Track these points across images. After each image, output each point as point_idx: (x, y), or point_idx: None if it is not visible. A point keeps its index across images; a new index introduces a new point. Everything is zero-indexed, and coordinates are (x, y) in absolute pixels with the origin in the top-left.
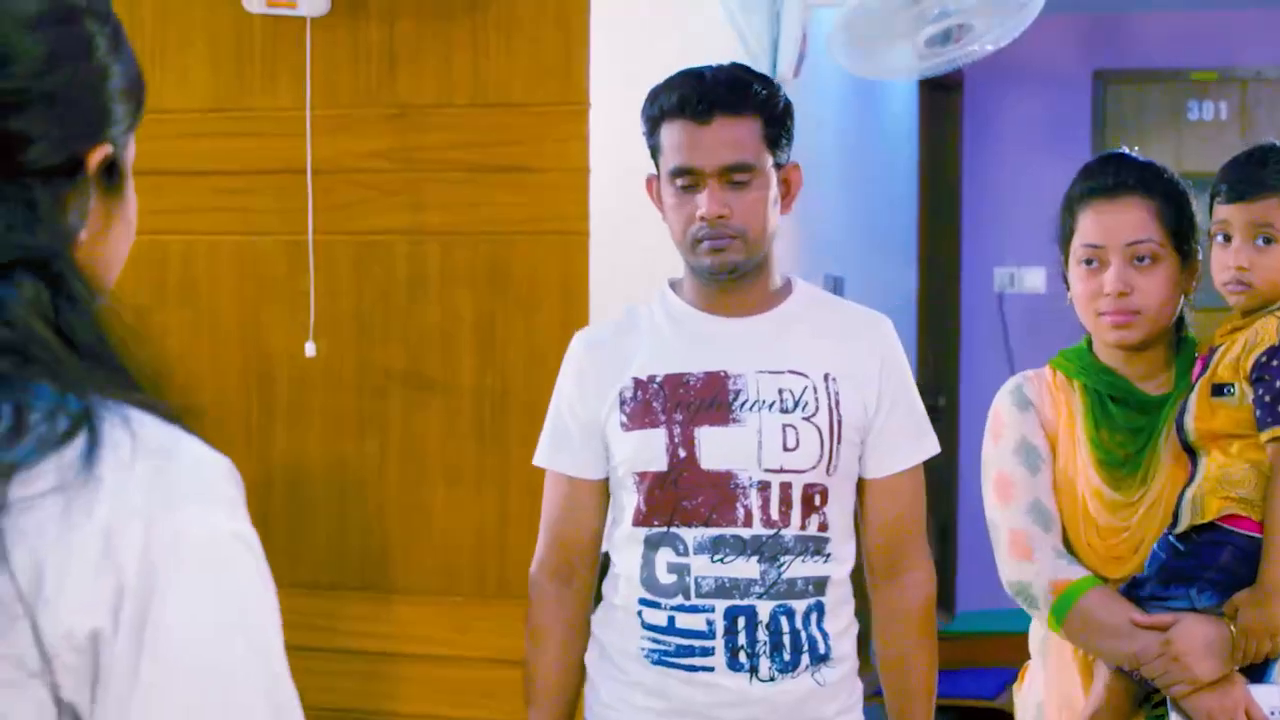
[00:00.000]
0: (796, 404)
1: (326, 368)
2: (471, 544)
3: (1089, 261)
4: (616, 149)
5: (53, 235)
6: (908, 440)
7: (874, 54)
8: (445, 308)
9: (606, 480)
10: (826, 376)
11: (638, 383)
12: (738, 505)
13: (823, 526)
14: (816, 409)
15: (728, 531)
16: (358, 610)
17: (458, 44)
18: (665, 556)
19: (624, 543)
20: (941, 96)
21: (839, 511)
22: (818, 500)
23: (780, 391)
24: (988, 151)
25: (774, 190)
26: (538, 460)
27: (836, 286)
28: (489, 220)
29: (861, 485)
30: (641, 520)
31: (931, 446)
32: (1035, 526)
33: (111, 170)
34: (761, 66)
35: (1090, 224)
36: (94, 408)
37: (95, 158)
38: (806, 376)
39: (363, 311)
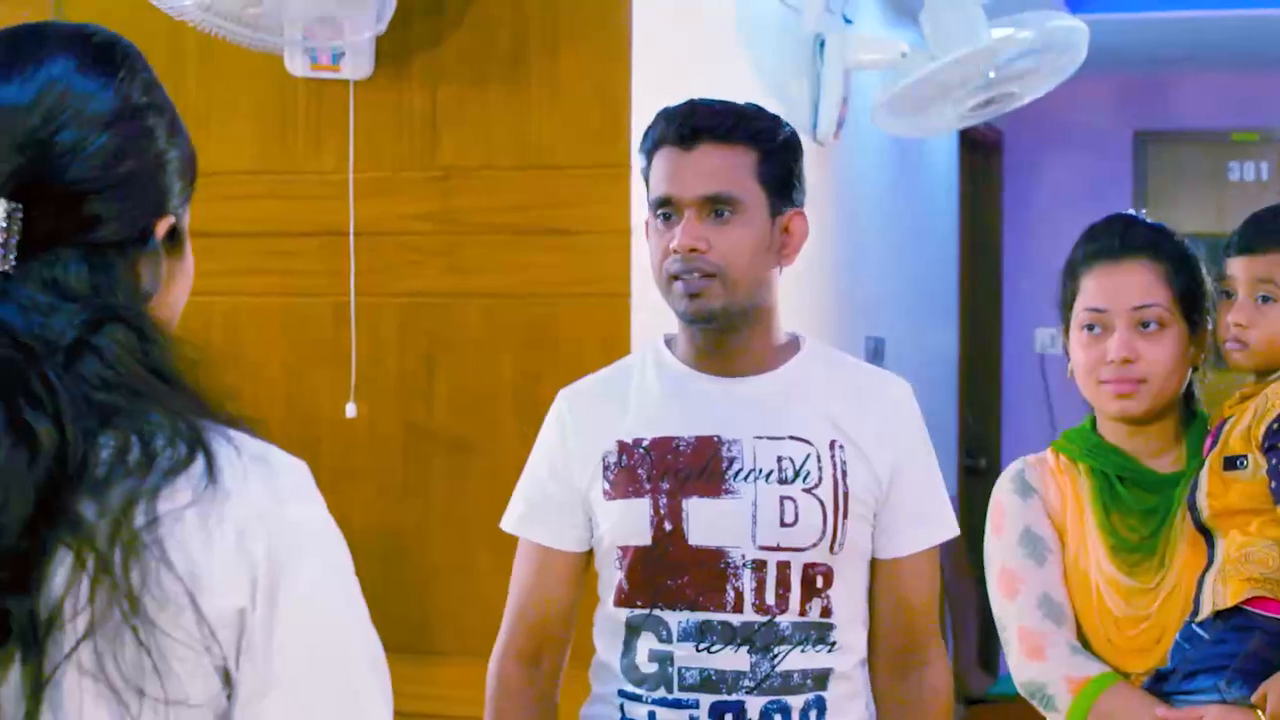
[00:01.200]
0: (797, 474)
1: (370, 429)
2: None
3: (1091, 327)
4: None
5: (130, 294)
6: (921, 520)
7: (918, 117)
8: (487, 369)
9: (585, 554)
10: (833, 444)
11: (622, 447)
12: (727, 587)
13: (826, 611)
14: (820, 480)
15: (715, 617)
16: (402, 672)
17: (500, 106)
18: (647, 643)
19: (605, 625)
20: (982, 157)
21: (847, 595)
22: (820, 582)
23: (779, 460)
24: (1028, 212)
25: (765, 233)
26: (506, 525)
27: (877, 348)
28: (531, 282)
29: (871, 567)
30: (623, 600)
31: (949, 529)
32: (1046, 622)
33: (173, 234)
34: (802, 129)
35: (1094, 287)
36: (201, 430)
37: (160, 228)
38: (810, 444)
39: (405, 373)
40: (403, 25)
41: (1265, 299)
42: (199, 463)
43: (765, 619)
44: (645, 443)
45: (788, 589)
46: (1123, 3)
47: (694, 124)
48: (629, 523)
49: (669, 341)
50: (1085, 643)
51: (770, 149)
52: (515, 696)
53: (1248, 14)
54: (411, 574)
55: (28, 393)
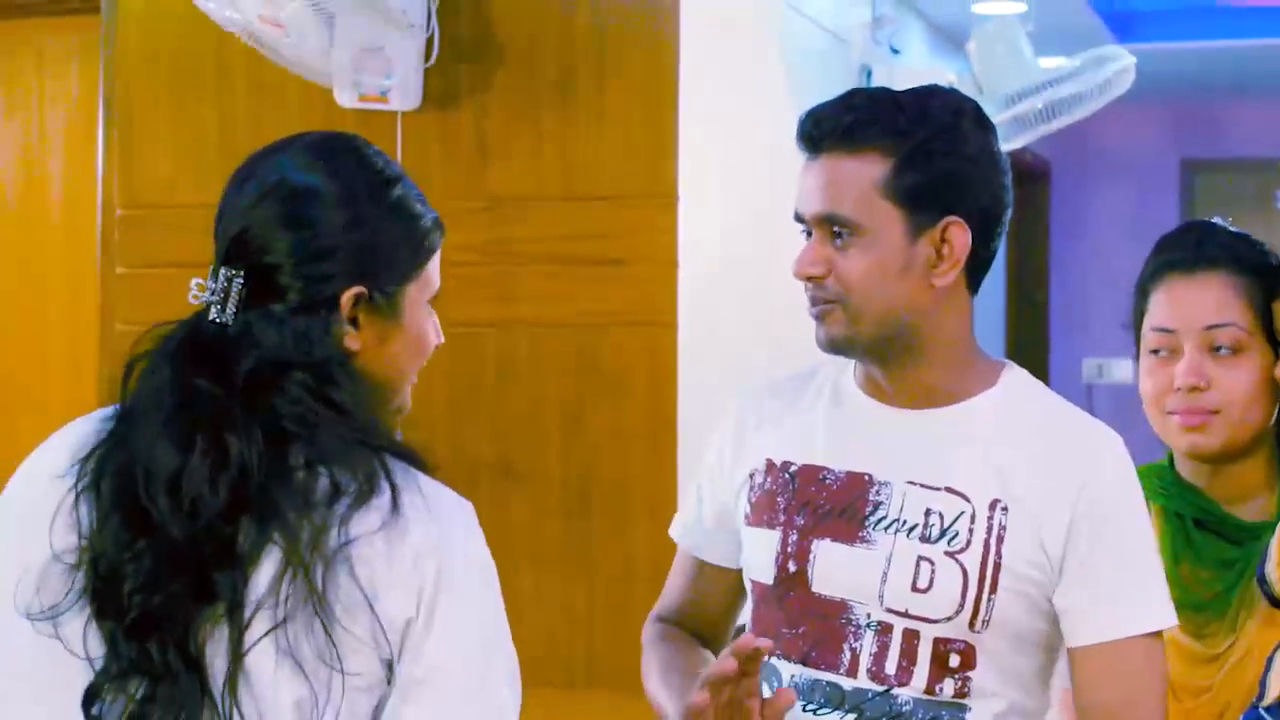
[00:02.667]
0: (943, 533)
1: None
2: (561, 634)
3: (1158, 350)
4: (705, 241)
5: (316, 348)
6: (1114, 602)
7: None
8: (534, 398)
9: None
10: (994, 504)
11: (770, 467)
12: (844, 647)
13: (962, 694)
14: (968, 544)
15: (826, 677)
16: None
17: (548, 137)
18: (766, 694)
19: None
20: (1029, 186)
21: (997, 680)
22: (955, 661)
23: (928, 513)
24: (1075, 241)
25: (897, 255)
26: (670, 528)
27: None
28: (578, 312)
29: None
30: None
31: (1156, 619)
32: None
33: (371, 300)
34: None
35: (1162, 305)
36: (384, 464)
37: (345, 297)
38: (967, 500)
39: (454, 401)
40: (450, 56)
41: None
42: (385, 495)
43: (881, 689)
44: (794, 468)
45: (913, 661)
46: (1170, 31)
47: (817, 127)
48: (758, 555)
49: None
50: None
51: (909, 154)
52: (661, 633)
53: None
54: None
55: (225, 418)
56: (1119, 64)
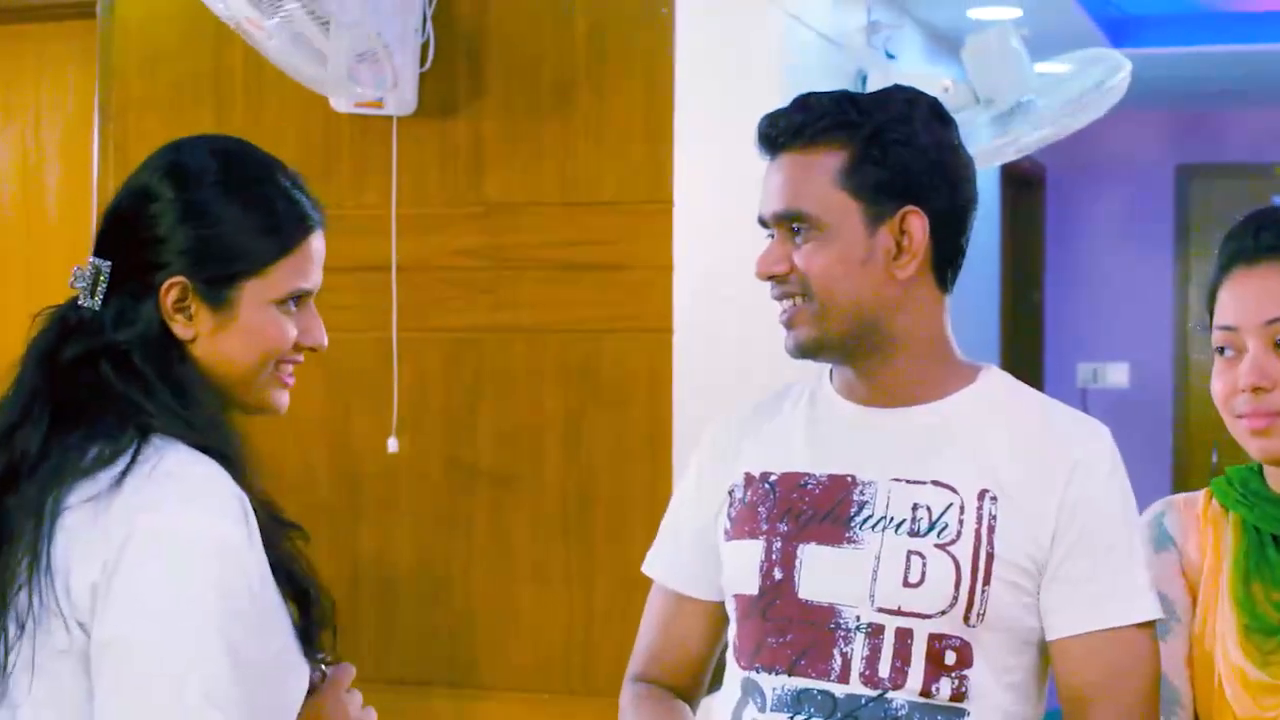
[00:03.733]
0: (932, 526)
1: (413, 464)
2: (559, 641)
3: (1223, 350)
4: (701, 247)
5: (126, 333)
6: (1099, 595)
7: None
8: (531, 405)
9: (722, 605)
10: (983, 494)
11: (749, 480)
12: (835, 652)
13: (959, 695)
14: (958, 535)
15: (816, 685)
16: (446, 707)
17: (545, 143)
18: (746, 711)
19: (727, 684)
20: (1025, 191)
21: (992, 680)
22: (951, 658)
23: (915, 508)
24: (1071, 246)
25: (857, 247)
26: (645, 565)
27: None
28: (575, 318)
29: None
30: (736, 658)
31: (1139, 610)
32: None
33: (218, 294)
34: None
35: (1226, 300)
36: (144, 442)
37: (164, 288)
38: (955, 491)
39: (450, 408)
40: (447, 62)
41: None
42: (117, 469)
43: (874, 693)
44: (773, 477)
45: (906, 662)
46: (1166, 37)
47: (773, 128)
48: (740, 567)
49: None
50: None
51: (864, 145)
52: (640, 697)
53: None
54: (454, 609)
55: (32, 398)
56: (1113, 67)
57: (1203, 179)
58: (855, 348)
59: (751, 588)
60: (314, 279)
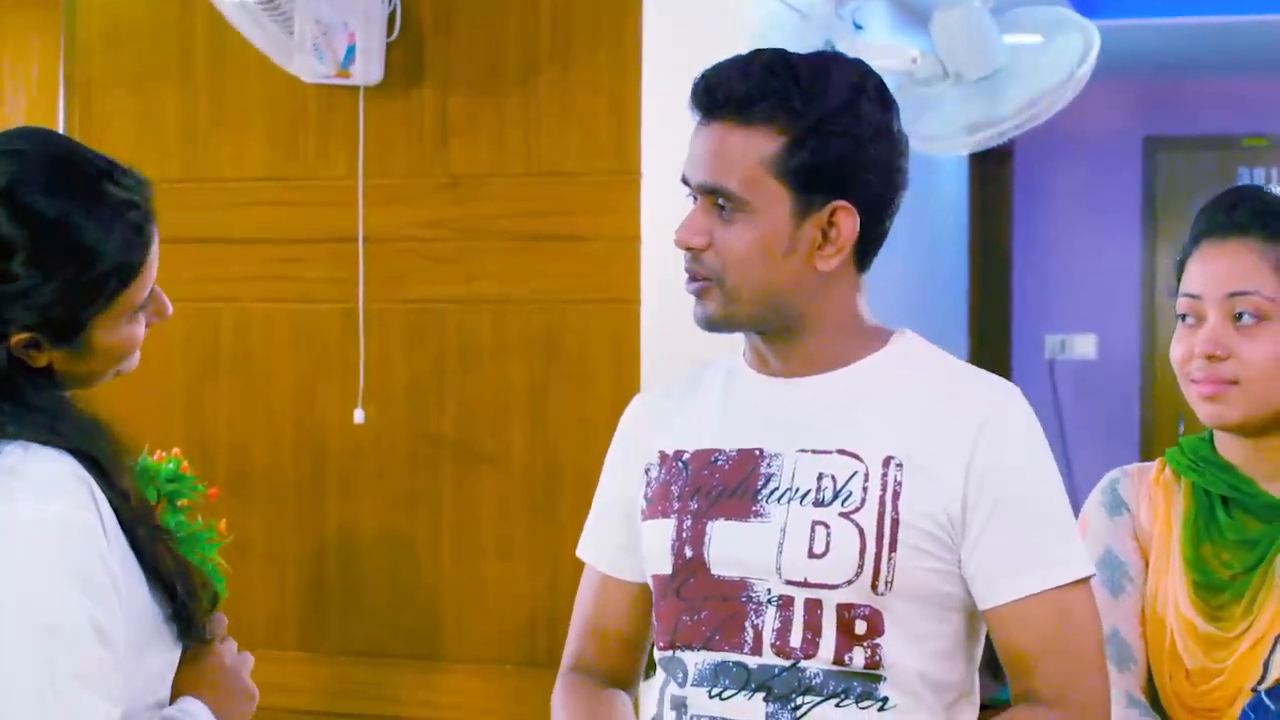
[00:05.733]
0: (836, 495)
1: (379, 437)
2: (524, 613)
3: (1184, 317)
4: (668, 218)
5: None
6: (1027, 560)
7: (921, 133)
8: (497, 377)
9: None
10: (888, 461)
11: (663, 459)
12: (746, 625)
13: (873, 664)
14: (862, 503)
15: (731, 658)
16: (410, 679)
17: (510, 115)
18: (669, 689)
19: (657, 667)
20: (992, 164)
21: (910, 648)
22: (861, 628)
23: (820, 477)
24: (1038, 218)
25: (779, 235)
26: (578, 548)
27: None
28: (541, 289)
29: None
30: (658, 639)
31: (1072, 568)
32: (1108, 664)
33: (67, 337)
34: None
35: (1193, 270)
36: None
37: (12, 342)
38: (859, 459)
39: (415, 380)
40: (413, 32)
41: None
42: None
43: (787, 664)
44: (686, 455)
45: (817, 633)
46: (1133, 8)
47: (709, 93)
48: (654, 546)
49: None
50: (1154, 694)
51: (802, 134)
52: (570, 691)
53: (1258, 19)
54: (420, 581)
55: None
56: (1084, 44)
57: (1170, 151)
58: (765, 325)
59: (665, 567)
60: (155, 272)
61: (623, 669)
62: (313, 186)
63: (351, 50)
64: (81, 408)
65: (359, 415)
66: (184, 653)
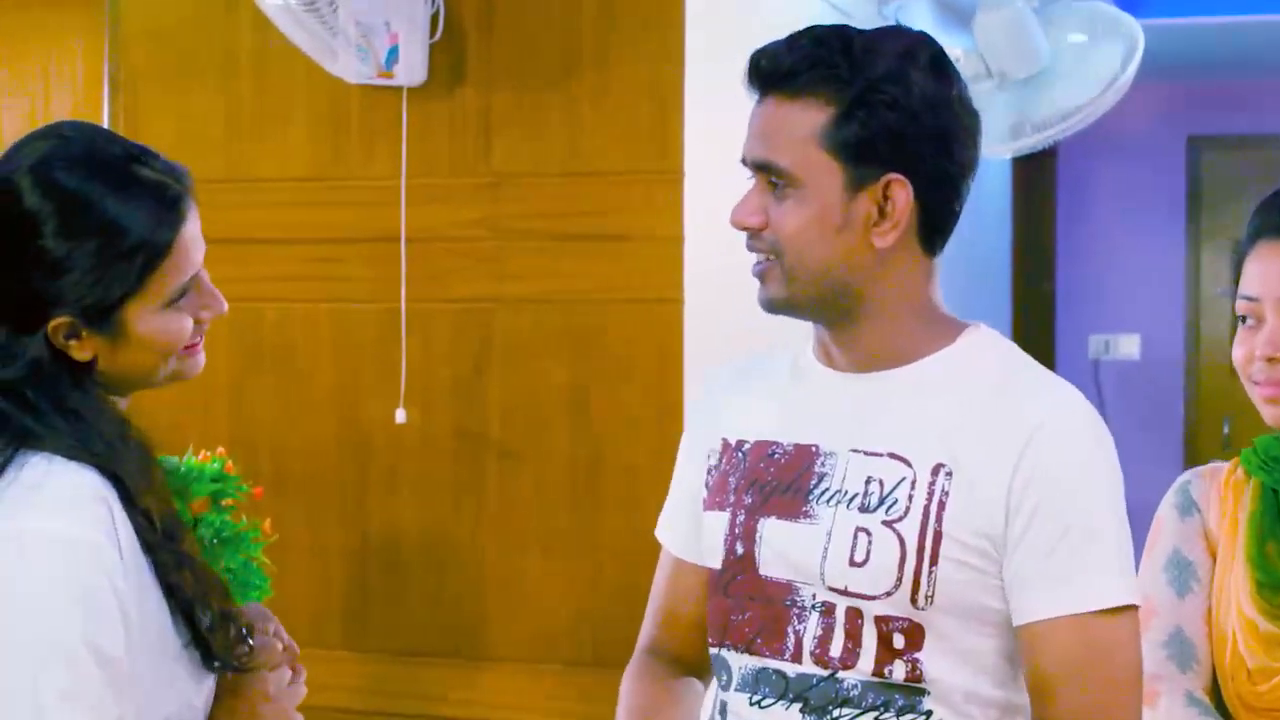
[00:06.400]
0: (881, 501)
1: (421, 435)
2: (566, 612)
3: (1244, 319)
4: (711, 217)
5: (12, 367)
6: (1065, 578)
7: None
8: (539, 376)
9: None
10: (938, 469)
11: (725, 447)
12: (788, 630)
13: (914, 677)
14: (906, 511)
15: (771, 664)
16: (453, 677)
17: (552, 113)
18: (716, 691)
19: None
20: (1035, 164)
21: (956, 661)
22: (900, 641)
23: (868, 481)
24: (1082, 218)
25: (833, 211)
26: (656, 528)
27: None
28: (583, 288)
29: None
30: (709, 634)
31: (1110, 595)
32: (1169, 664)
33: (102, 321)
34: None
35: (1250, 271)
36: (19, 457)
37: (50, 328)
38: (909, 464)
39: (457, 379)
40: (456, 33)
41: None
42: None
43: (825, 673)
44: (746, 445)
45: (857, 643)
46: (1177, 7)
47: (758, 68)
48: (710, 540)
49: None
50: (1218, 694)
51: (850, 104)
52: (638, 676)
53: None
54: (462, 579)
55: None
56: (1129, 44)
57: (1214, 150)
58: (826, 310)
59: (717, 562)
60: (196, 260)
61: (697, 654)
62: (355, 187)
63: (394, 51)
64: (119, 417)
65: (401, 415)
66: (223, 681)
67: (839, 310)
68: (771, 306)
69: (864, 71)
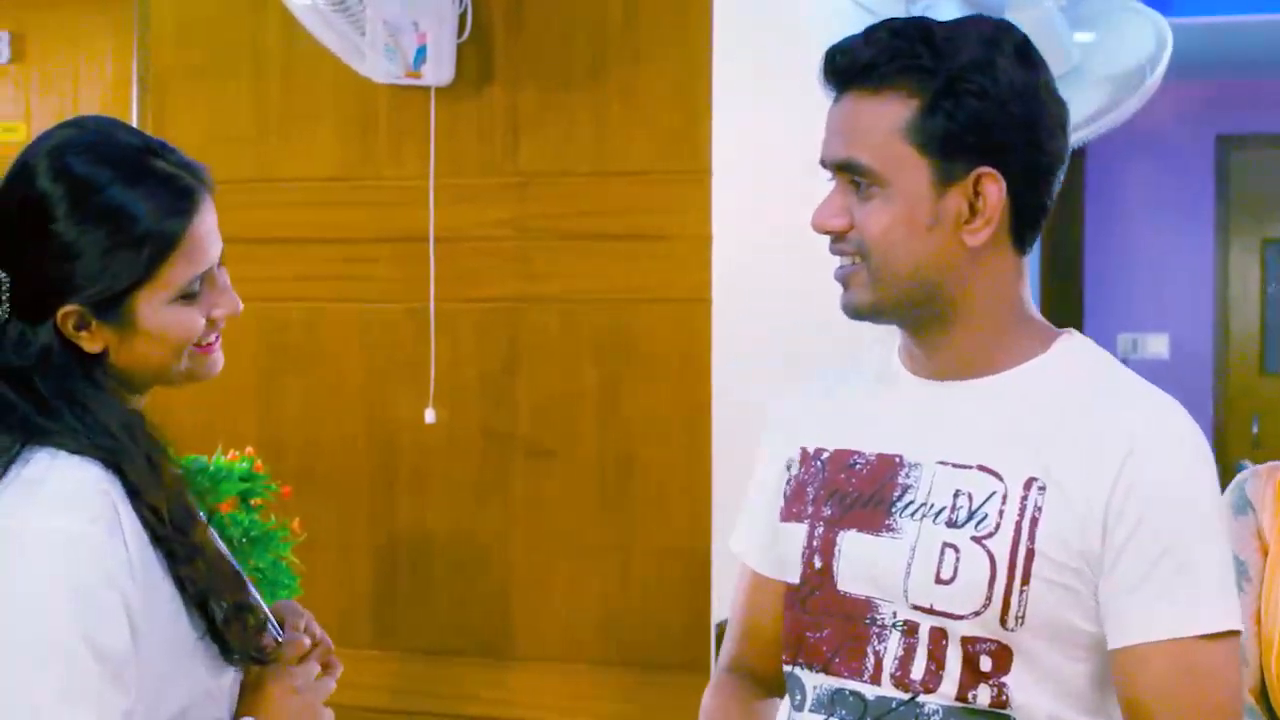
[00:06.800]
0: (970, 516)
1: (449, 434)
2: (593, 612)
3: None
4: (739, 216)
5: (22, 355)
6: (1162, 599)
7: None
8: (567, 376)
9: None
10: (1030, 483)
11: (804, 456)
12: (868, 650)
13: (1000, 702)
14: (997, 528)
15: (848, 685)
16: (480, 676)
17: (580, 113)
18: (789, 711)
19: None
20: None
21: (1044, 687)
22: (986, 664)
23: (956, 494)
24: (1110, 218)
25: (922, 208)
26: (730, 540)
27: None
28: (611, 288)
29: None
30: (783, 650)
31: (1202, 618)
32: None
33: (113, 312)
34: None
35: None
36: (26, 452)
37: (59, 316)
38: (1000, 478)
39: (485, 379)
40: (484, 33)
41: None
42: None
43: (905, 696)
44: (825, 454)
45: (941, 665)
46: (1205, 6)
47: (834, 64)
48: (787, 553)
49: None
50: (1266, 696)
51: (935, 95)
52: (719, 695)
53: None
54: (490, 578)
55: None
56: (1157, 43)
57: (1243, 149)
58: (915, 315)
59: (794, 576)
60: (210, 255)
61: (776, 672)
62: (383, 186)
63: (422, 51)
64: (128, 411)
65: (430, 415)
66: (249, 674)
67: (928, 314)
68: (857, 312)
69: (948, 60)
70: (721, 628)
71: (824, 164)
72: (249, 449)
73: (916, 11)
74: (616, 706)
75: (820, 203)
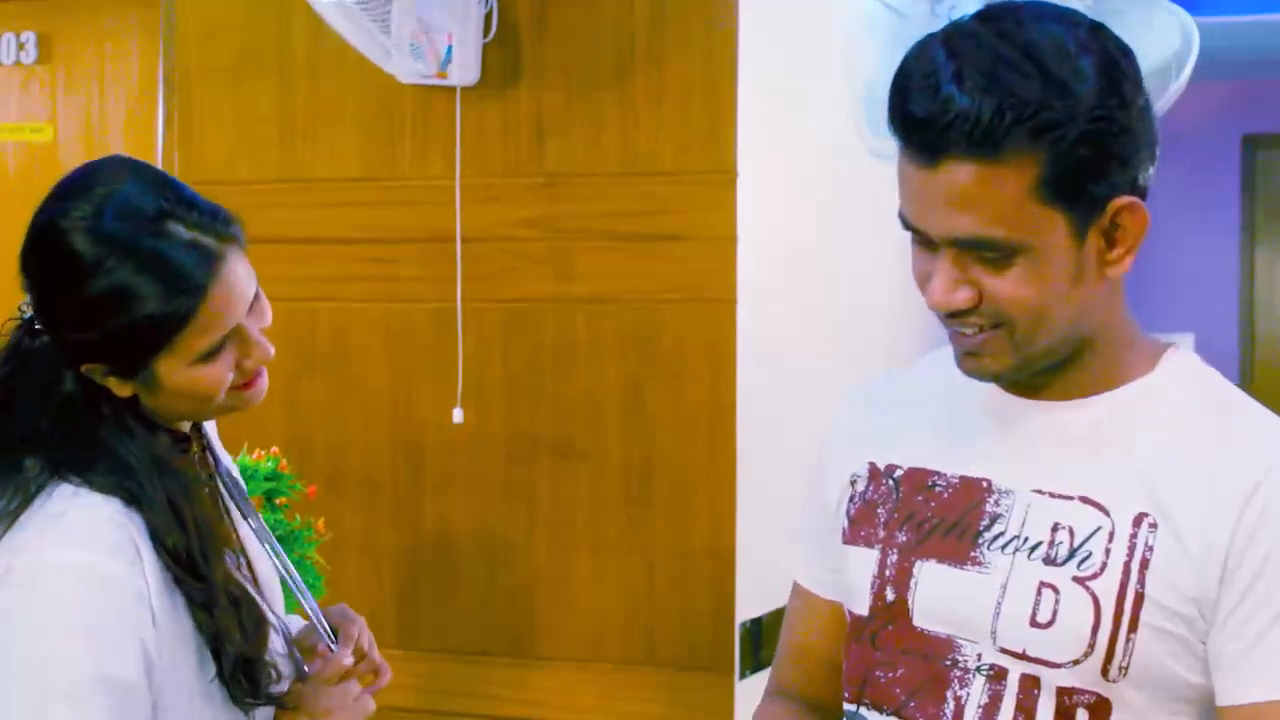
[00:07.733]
0: (1072, 554)
1: (474, 435)
2: (619, 612)
3: None
4: (764, 217)
5: (52, 393)
6: (1270, 649)
7: None
8: (592, 376)
9: None
10: (1140, 519)
11: (873, 472)
12: (948, 695)
13: None
14: (1103, 568)
15: None
16: (505, 677)
17: (606, 113)
18: None
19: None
20: None
21: None
22: (1083, 717)
23: (1055, 529)
24: None
25: (1068, 262)
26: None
27: None
28: (636, 289)
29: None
30: (845, 686)
31: None
32: None
33: (134, 372)
34: None
35: None
36: (51, 485)
37: (87, 369)
38: (1106, 513)
39: (511, 379)
40: (509, 32)
41: None
42: (13, 508)
43: None
44: (899, 472)
45: (1030, 715)
46: (1232, 5)
47: (935, 132)
48: (854, 580)
49: None
50: None
51: (1069, 146)
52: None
53: None
54: (515, 579)
55: None
56: (1184, 40)
57: (1269, 149)
58: (1052, 360)
59: (862, 607)
60: (232, 316)
61: (833, 696)
62: (409, 187)
63: (449, 50)
64: (155, 451)
65: (458, 415)
66: (289, 694)
67: (1061, 356)
68: (995, 379)
69: (1074, 100)
70: (745, 628)
71: (927, 237)
72: (274, 448)
73: (941, 13)
74: (641, 707)
75: (933, 282)
